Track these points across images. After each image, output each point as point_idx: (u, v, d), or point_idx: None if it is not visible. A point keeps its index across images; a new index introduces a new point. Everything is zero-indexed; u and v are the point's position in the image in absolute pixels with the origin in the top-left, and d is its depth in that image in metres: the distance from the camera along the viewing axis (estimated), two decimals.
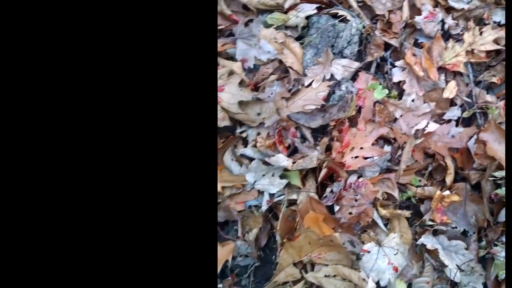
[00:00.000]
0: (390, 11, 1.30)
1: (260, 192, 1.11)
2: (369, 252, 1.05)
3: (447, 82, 1.25)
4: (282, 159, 1.09)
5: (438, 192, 1.10)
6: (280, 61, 1.24)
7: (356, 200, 1.11)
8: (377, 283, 1.03)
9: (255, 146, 1.13)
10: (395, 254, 1.07)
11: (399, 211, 1.11)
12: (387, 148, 1.18)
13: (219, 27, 1.23)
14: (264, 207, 1.09)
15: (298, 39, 1.28)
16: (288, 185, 1.12)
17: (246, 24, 1.23)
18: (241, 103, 1.14)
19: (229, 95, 1.13)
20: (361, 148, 1.16)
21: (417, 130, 1.17)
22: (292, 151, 1.16)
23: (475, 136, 1.17)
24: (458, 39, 1.29)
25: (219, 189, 1.09)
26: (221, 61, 1.20)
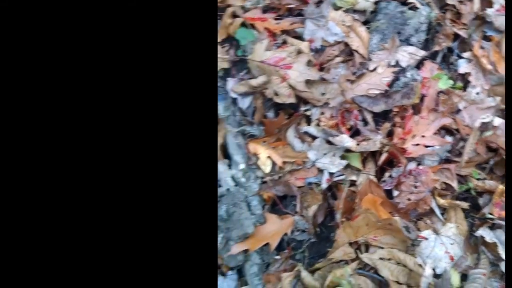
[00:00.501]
0: (460, 2, 1.29)
1: (320, 170, 1.12)
2: (426, 239, 1.06)
3: None
4: (346, 140, 1.09)
5: (501, 186, 1.09)
6: (346, 44, 1.25)
7: (415, 187, 1.11)
8: (432, 270, 1.04)
9: (318, 125, 1.14)
10: (451, 244, 1.06)
11: (457, 202, 1.11)
12: (449, 139, 1.18)
13: (289, 6, 1.24)
14: (324, 185, 1.10)
15: (365, 23, 1.27)
16: (347, 166, 1.13)
17: (317, 5, 1.23)
18: (308, 82, 1.15)
19: (296, 73, 1.14)
20: (423, 136, 1.16)
21: (482, 124, 1.16)
22: (352, 134, 1.17)
23: None
24: None
25: (280, 163, 1.11)
26: (289, 39, 1.21)
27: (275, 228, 1.06)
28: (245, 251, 1.06)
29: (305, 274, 1.01)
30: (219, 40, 1.23)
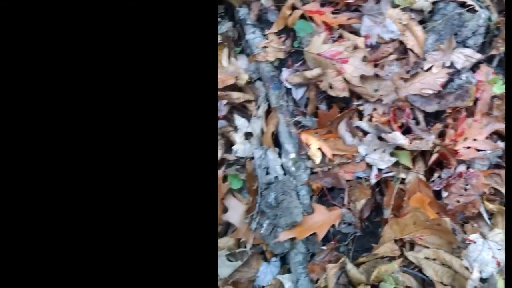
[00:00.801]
0: None
1: (369, 166, 1.13)
2: (474, 242, 1.05)
3: None
4: (399, 137, 1.09)
5: None
6: (401, 42, 1.24)
7: (465, 190, 1.10)
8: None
9: (370, 120, 1.15)
10: (498, 249, 1.06)
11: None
12: (501, 144, 1.16)
13: (347, 1, 1.24)
14: (373, 181, 1.11)
15: (421, 22, 1.27)
16: (396, 164, 1.13)
17: (376, 2, 1.23)
18: (362, 77, 1.15)
19: (352, 67, 1.14)
20: (475, 139, 1.15)
21: None
22: (403, 132, 1.17)
23: None
24: None
25: (329, 155, 1.12)
26: (345, 33, 1.22)
27: (323, 218, 1.07)
28: (292, 239, 1.07)
29: (350, 267, 1.02)
30: (275, 30, 1.25)
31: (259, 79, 1.24)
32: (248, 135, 1.20)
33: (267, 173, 1.15)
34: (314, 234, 1.07)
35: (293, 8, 1.23)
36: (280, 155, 1.16)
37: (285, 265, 1.12)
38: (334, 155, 1.13)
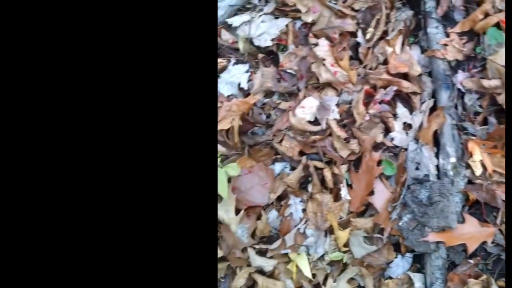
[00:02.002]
0: None
1: None
2: None
3: None
4: None
5: None
6: None
7: None
8: None
9: None
10: None
11: None
12: None
13: None
14: None
15: None
16: None
17: None
18: None
19: None
20: None
21: None
22: None
23: None
24: None
25: (490, 171, 1.08)
26: None
27: (474, 232, 1.04)
28: (437, 242, 1.04)
29: None
30: (459, 30, 1.20)
31: (428, 74, 1.20)
32: (406, 126, 1.16)
33: (417, 168, 1.12)
34: (461, 244, 1.03)
35: (486, 14, 1.18)
36: (436, 155, 1.12)
37: (415, 264, 1.09)
38: (494, 171, 1.09)
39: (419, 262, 1.09)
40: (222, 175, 1.09)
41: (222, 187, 1.08)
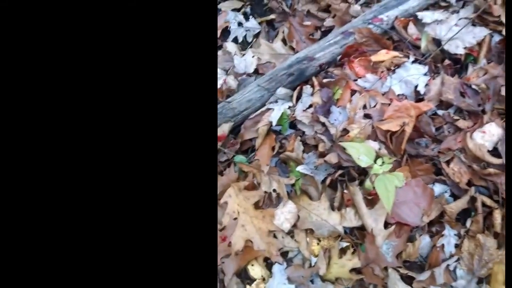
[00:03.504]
0: None
1: None
2: None
3: None
4: None
5: None
6: None
7: None
8: None
9: None
10: None
11: None
12: None
13: None
14: None
15: None
16: None
17: None
18: None
19: None
20: None
21: None
22: None
23: None
24: None
25: None
26: None
27: None
28: None
29: None
30: None
31: None
32: None
33: None
34: None
35: None
36: None
37: None
38: None
39: None
40: (390, 182, 0.97)
41: (389, 196, 0.95)
